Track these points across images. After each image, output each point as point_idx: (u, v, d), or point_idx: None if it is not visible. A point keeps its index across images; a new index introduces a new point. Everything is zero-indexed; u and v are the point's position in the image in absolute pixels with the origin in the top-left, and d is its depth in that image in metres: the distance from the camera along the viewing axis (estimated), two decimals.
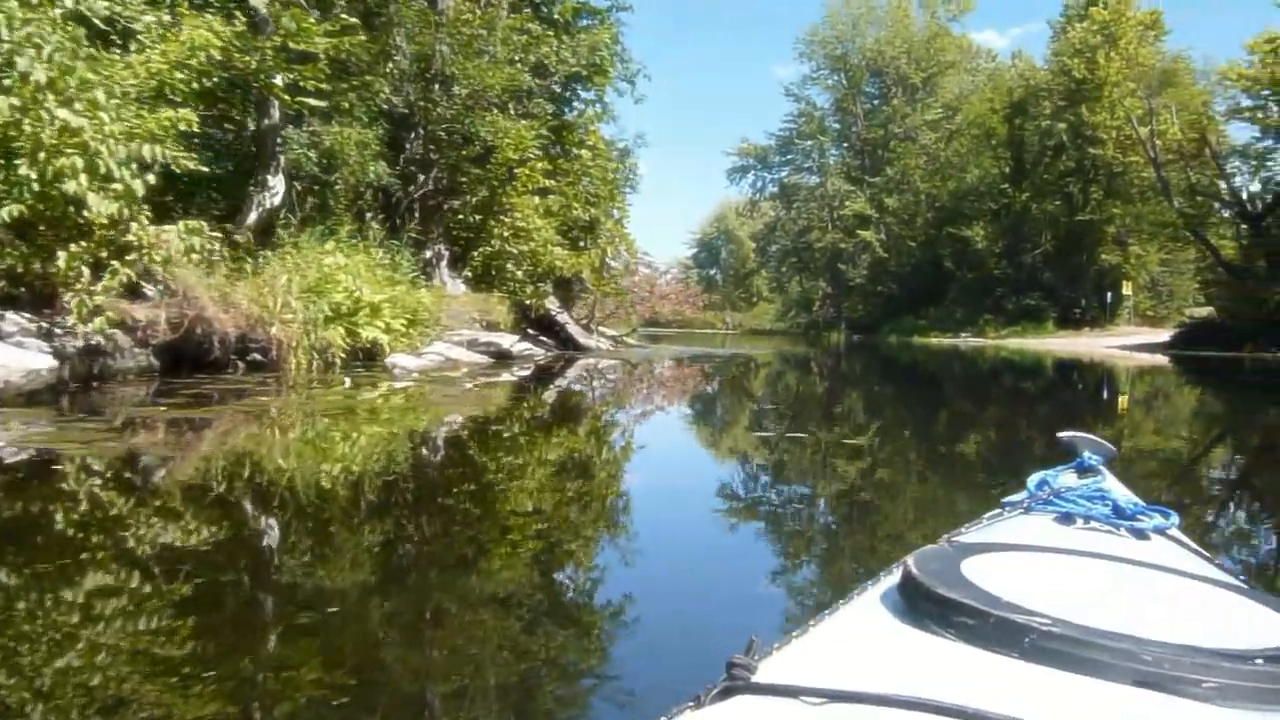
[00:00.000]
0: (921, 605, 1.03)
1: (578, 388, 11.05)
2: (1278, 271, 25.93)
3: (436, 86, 15.26)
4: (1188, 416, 10.23)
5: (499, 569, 2.85)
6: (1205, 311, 31.39)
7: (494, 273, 16.45)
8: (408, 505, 3.83)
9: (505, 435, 6.29)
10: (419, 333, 11.87)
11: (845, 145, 57.84)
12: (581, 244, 18.75)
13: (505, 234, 16.29)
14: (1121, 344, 30.09)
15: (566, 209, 18.14)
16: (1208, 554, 1.51)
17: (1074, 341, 33.00)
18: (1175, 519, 1.52)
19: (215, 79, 9.45)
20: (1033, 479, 1.73)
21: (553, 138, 18.19)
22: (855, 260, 52.61)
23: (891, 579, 1.16)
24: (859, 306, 53.05)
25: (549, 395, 9.81)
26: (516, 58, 16.25)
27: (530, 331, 17.36)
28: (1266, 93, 27.53)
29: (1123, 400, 11.75)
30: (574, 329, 18.44)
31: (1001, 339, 36.71)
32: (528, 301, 16.79)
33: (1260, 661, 0.88)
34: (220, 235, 9.24)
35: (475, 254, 16.46)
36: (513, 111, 16.22)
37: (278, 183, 11.07)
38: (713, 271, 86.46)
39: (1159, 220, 34.26)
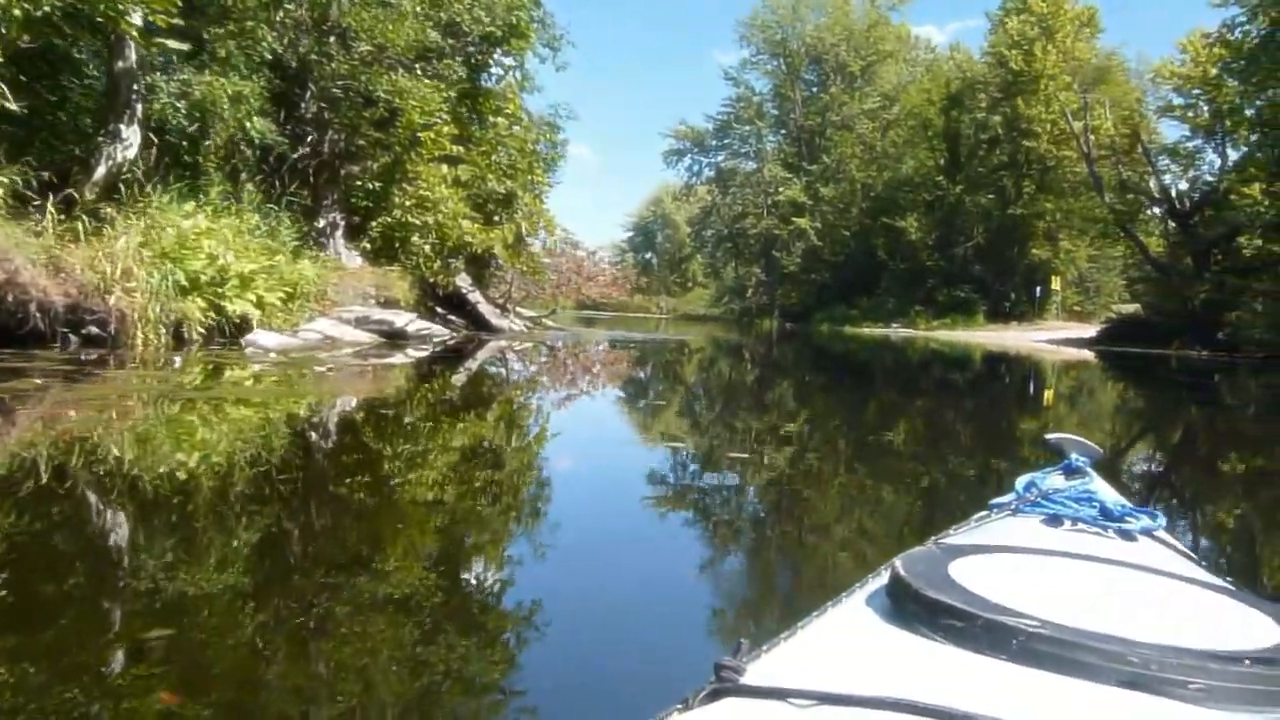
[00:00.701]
0: (909, 607, 1.02)
1: (464, 376, 9.88)
2: (1202, 270, 26.02)
3: (333, 39, 13.88)
4: (1113, 411, 9.89)
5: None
6: (1131, 308, 31.69)
7: (397, 246, 15.20)
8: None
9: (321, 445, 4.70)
10: (299, 308, 10.71)
11: (783, 132, 57.49)
12: (497, 219, 17.52)
13: (407, 203, 14.92)
14: (1049, 338, 30.19)
15: (480, 180, 16.90)
16: (1195, 556, 1.53)
17: (1002, 335, 33.09)
18: (1162, 520, 1.53)
19: (48, 6, 8.15)
20: (1020, 480, 1.74)
21: (467, 103, 17.03)
22: (789, 248, 52.33)
23: (879, 581, 1.16)
24: (792, 294, 52.67)
25: (425, 384, 8.62)
26: (423, 12, 14.93)
27: (440, 311, 16.23)
28: (1197, 91, 27.50)
29: (1048, 394, 11.51)
30: (486, 309, 17.32)
31: (932, 330, 36.70)
32: (434, 279, 15.53)
33: (1248, 662, 0.88)
34: (46, 187, 7.98)
35: (374, 224, 15.12)
36: (420, 73, 14.97)
37: (132, 134, 9.81)
38: (648, 256, 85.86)
39: (1090, 215, 34.39)
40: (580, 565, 2.75)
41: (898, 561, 1.12)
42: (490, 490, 3.77)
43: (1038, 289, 39.29)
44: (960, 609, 0.96)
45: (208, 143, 11.16)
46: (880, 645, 0.98)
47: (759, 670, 0.91)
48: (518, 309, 20.46)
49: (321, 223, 14.66)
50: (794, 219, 51.01)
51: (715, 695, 0.84)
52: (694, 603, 2.43)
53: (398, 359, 10.23)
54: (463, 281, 16.64)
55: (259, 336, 9.61)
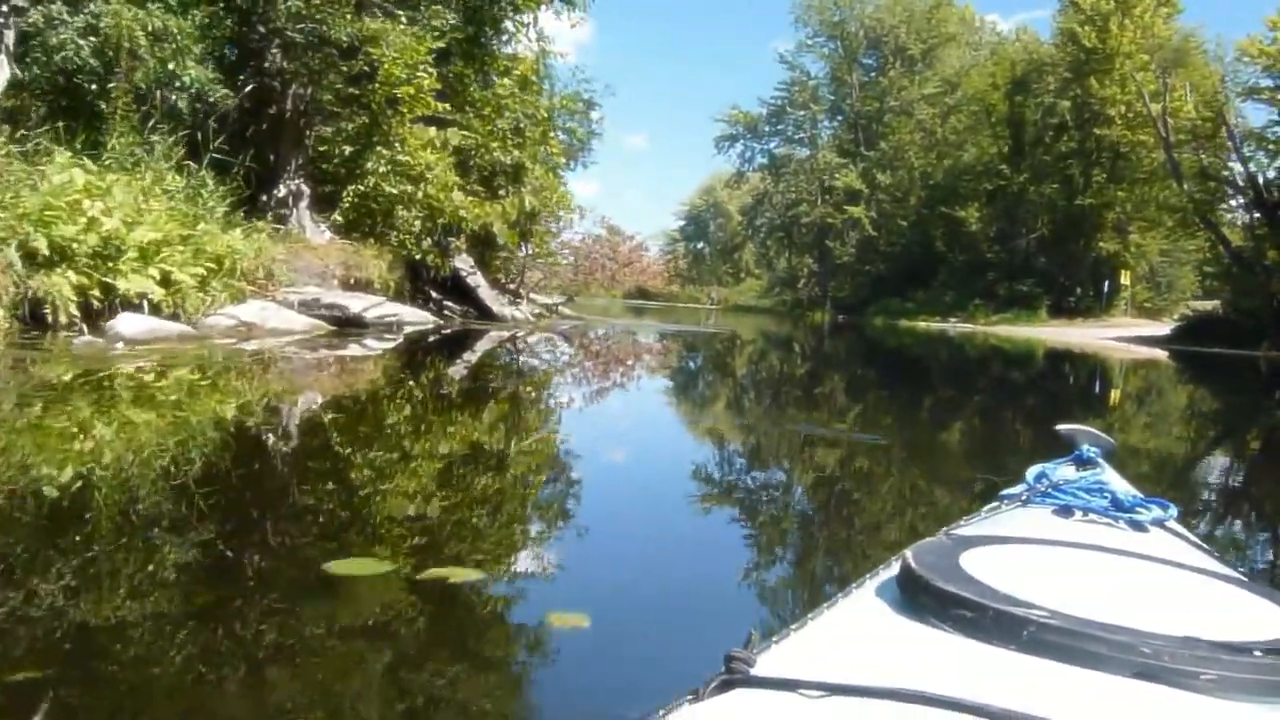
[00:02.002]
0: (920, 598, 1.03)
1: (359, 384, 7.10)
2: None
3: None
4: (1199, 420, 8.83)
5: None
6: (1209, 305, 29.95)
7: (378, 220, 13.45)
8: None
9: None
10: (223, 287, 9.05)
11: (839, 118, 55.82)
12: (503, 192, 15.88)
13: (381, 169, 13.08)
14: (1118, 335, 28.77)
15: (482, 149, 15.30)
16: (1207, 546, 1.52)
17: (1066, 331, 31.80)
18: (1174, 511, 1.53)
19: None
20: (1031, 471, 1.74)
21: (467, 59, 15.38)
22: (844, 237, 51.18)
23: (890, 572, 1.17)
24: (845, 286, 51.58)
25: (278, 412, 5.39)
26: None
27: (435, 296, 14.76)
28: None
29: (1115, 394, 10.66)
30: (488, 294, 15.62)
31: (992, 325, 35.51)
32: (423, 259, 13.91)
33: (1260, 653, 0.89)
34: None
35: (346, 193, 13.30)
36: (403, 19, 13.09)
37: None
38: (700, 245, 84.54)
39: (1166, 205, 32.36)
40: (589, 556, 2.74)
41: (908, 552, 1.13)
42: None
43: (1105, 284, 37.72)
44: (971, 600, 0.96)
45: (112, 85, 9.53)
46: (891, 636, 0.98)
47: (769, 661, 0.91)
48: (531, 295, 18.90)
49: (282, 190, 12.83)
50: (848, 207, 49.56)
51: (725, 686, 0.85)
52: (706, 593, 2.43)
53: (323, 353, 8.61)
54: (463, 264, 15.11)
55: (121, 321, 7.55)
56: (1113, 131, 35.82)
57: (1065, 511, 1.52)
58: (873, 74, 53.79)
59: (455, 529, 2.88)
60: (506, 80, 16.21)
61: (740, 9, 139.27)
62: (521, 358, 10.77)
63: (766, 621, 1.43)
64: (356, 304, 10.97)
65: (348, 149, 13.24)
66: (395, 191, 13.18)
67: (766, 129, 58.72)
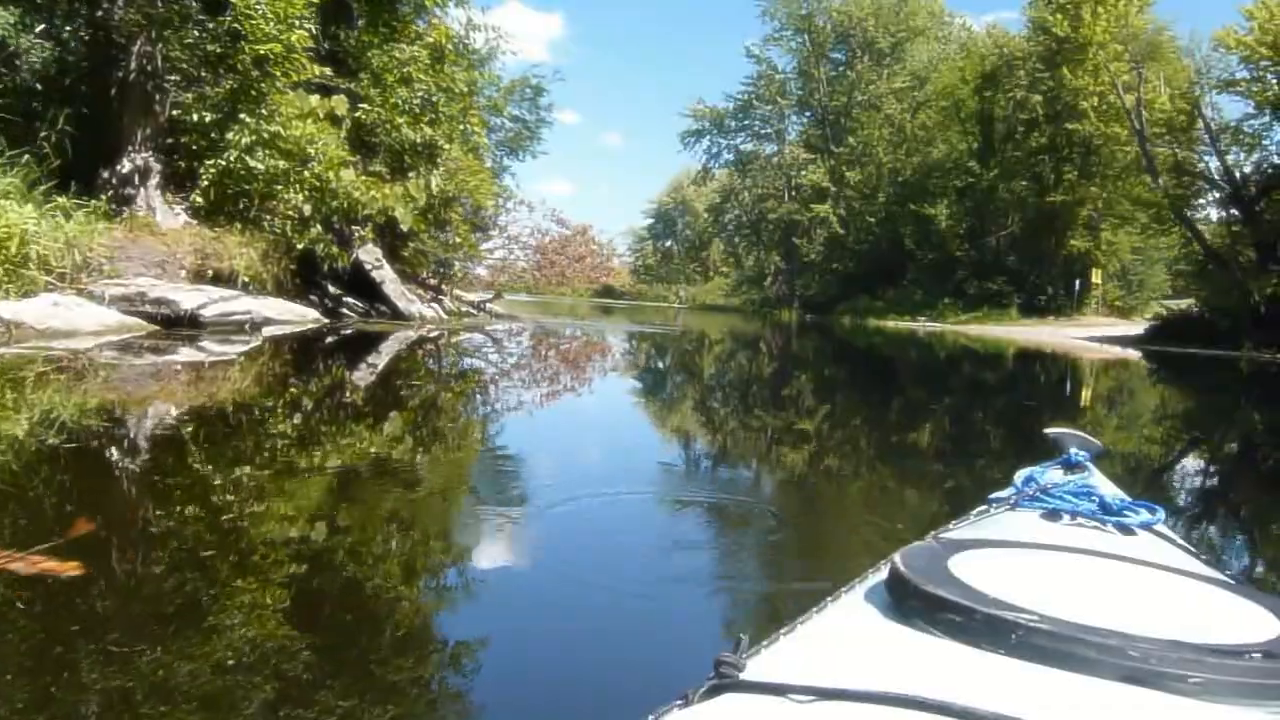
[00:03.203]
0: (908, 602, 1.03)
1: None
2: (1267, 261, 23.43)
3: None
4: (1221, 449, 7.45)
5: None
6: (1182, 304, 29.35)
7: (253, 203, 11.46)
8: None
9: None
10: (7, 276, 7.52)
11: (807, 113, 54.98)
12: (414, 175, 13.94)
13: (246, 141, 10.98)
14: (1089, 335, 28.29)
15: (387, 124, 13.48)
16: (1194, 549, 1.53)
17: (1038, 330, 31.31)
18: (1161, 514, 1.54)
19: None
20: (1019, 475, 1.75)
21: (368, 20, 13.60)
22: (810, 235, 50.23)
23: (878, 576, 1.17)
24: (813, 284, 50.99)
25: None
26: None
27: (333, 290, 12.97)
28: (1265, 63, 24.66)
29: (1101, 408, 9.66)
30: (393, 290, 13.82)
31: (962, 325, 34.96)
32: (305, 247, 11.87)
33: (1248, 656, 0.89)
34: None
35: (205, 169, 11.24)
36: None
37: None
38: (668, 243, 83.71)
39: (1140, 200, 31.63)
40: (578, 561, 2.69)
41: (897, 556, 1.12)
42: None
43: (1076, 282, 37.00)
44: (959, 604, 0.96)
45: None
46: (879, 640, 0.99)
47: (758, 666, 0.91)
48: (455, 293, 16.99)
49: (126, 166, 10.87)
50: (815, 205, 48.77)
51: (715, 691, 0.85)
52: (694, 598, 2.42)
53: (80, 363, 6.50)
54: (368, 255, 13.28)
55: None
56: (1085, 126, 35.11)
57: (1053, 515, 1.52)
58: (841, 68, 53.03)
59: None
60: (415, 48, 14.16)
61: (716, 6, 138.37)
62: (377, 372, 8.31)
63: (756, 626, 1.33)
64: (192, 299, 9.11)
65: (209, 117, 11.19)
66: (263, 168, 11.21)
67: (733, 124, 57.75)
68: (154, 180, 11.20)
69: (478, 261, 19.94)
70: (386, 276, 13.63)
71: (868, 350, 19.41)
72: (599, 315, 29.12)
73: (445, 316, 14.77)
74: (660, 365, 11.94)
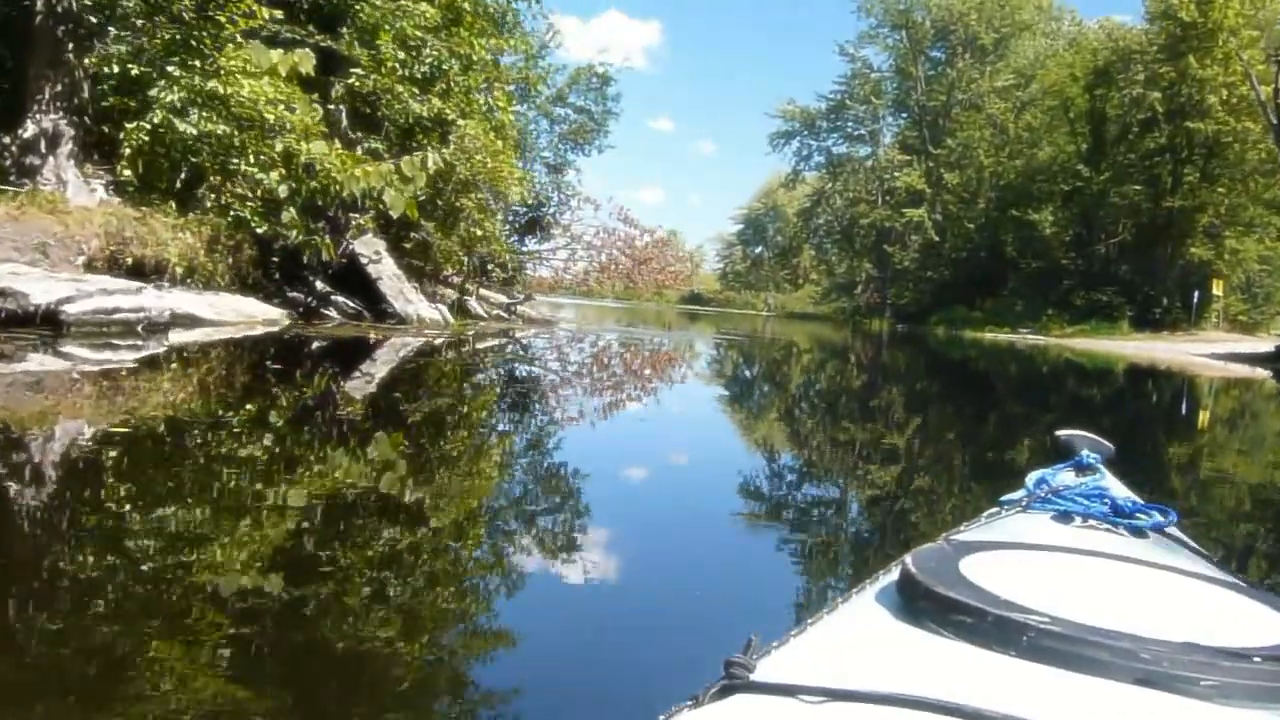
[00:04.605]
0: (920, 604, 1.03)
1: None
2: None
3: None
4: None
5: None
6: None
7: (205, 177, 9.79)
8: None
9: None
10: None
11: (903, 114, 53.60)
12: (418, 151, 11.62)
13: (174, 98, 9.20)
14: (1210, 351, 26.42)
15: (388, 97, 11.69)
16: (1206, 552, 1.50)
17: (1151, 346, 29.50)
18: (1174, 517, 1.53)
19: None
20: (1031, 477, 1.74)
21: None
22: (904, 241, 48.65)
23: (890, 577, 1.16)
24: (906, 292, 49.77)
25: None
26: None
27: (321, 287, 11.33)
28: None
29: (1222, 431, 8.77)
30: (390, 286, 11.83)
31: (1067, 338, 33.36)
32: (276, 233, 10.21)
33: (1259, 659, 0.89)
34: None
35: (126, 133, 9.52)
36: None
37: None
38: (758, 249, 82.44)
39: (1274, 203, 29.24)
40: (591, 563, 2.60)
41: (908, 558, 1.12)
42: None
43: (1194, 294, 34.70)
44: (970, 605, 0.96)
45: None
46: (890, 641, 0.98)
47: (769, 667, 0.91)
48: (481, 293, 15.44)
49: (29, 131, 9.24)
50: (909, 210, 47.18)
51: (725, 692, 0.85)
52: (706, 599, 2.42)
53: None
54: (366, 248, 11.52)
55: None
56: (1208, 125, 32.98)
57: (1065, 517, 1.53)
58: (940, 66, 51.61)
59: None
60: (424, 5, 12.15)
61: (813, 7, 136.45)
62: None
63: (766, 627, 1.12)
64: (53, 290, 7.03)
65: (134, 70, 9.43)
66: (197, 132, 9.39)
67: (824, 125, 56.32)
68: (65, 148, 9.48)
69: (536, 262, 18.75)
70: (384, 272, 11.82)
71: (962, 362, 18.46)
72: (691, 321, 28.14)
73: (450, 320, 12.69)
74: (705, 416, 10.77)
